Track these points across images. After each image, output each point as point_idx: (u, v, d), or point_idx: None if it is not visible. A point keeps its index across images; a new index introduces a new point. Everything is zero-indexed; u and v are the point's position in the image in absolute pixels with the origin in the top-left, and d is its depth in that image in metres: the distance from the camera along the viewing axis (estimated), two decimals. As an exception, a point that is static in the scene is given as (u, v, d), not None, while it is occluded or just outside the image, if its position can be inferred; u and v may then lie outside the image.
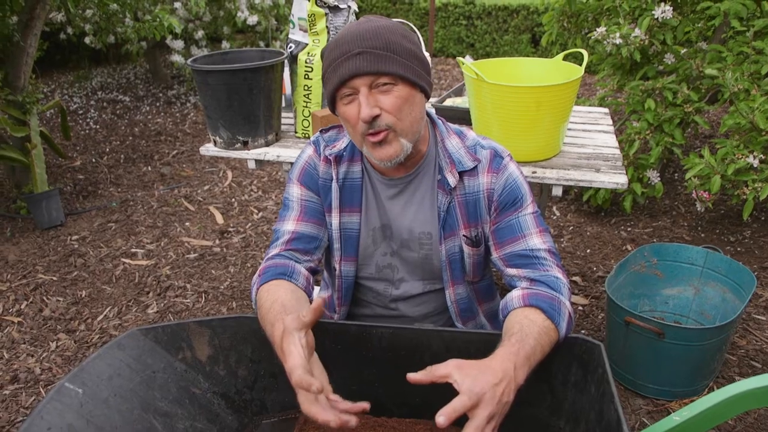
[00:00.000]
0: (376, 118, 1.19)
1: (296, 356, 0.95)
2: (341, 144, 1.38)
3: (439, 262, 1.40)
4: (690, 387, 2.17)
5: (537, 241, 1.29)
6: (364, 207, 1.39)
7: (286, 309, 1.13)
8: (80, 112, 5.97)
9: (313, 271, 1.38)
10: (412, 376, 0.94)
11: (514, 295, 1.21)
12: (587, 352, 1.14)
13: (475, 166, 1.32)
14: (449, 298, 1.44)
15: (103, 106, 6.14)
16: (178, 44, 5.69)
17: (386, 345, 1.18)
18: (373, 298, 1.50)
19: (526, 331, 1.09)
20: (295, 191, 1.40)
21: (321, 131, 1.43)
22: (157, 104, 6.19)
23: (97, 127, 5.55)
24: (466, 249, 1.37)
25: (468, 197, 1.34)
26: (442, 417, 0.89)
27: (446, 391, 1.07)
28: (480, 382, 0.94)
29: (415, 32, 1.98)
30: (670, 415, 1.18)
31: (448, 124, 1.40)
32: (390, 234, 1.40)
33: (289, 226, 1.38)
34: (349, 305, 1.51)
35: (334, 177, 1.37)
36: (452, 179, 1.32)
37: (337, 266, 1.44)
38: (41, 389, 2.37)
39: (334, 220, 1.38)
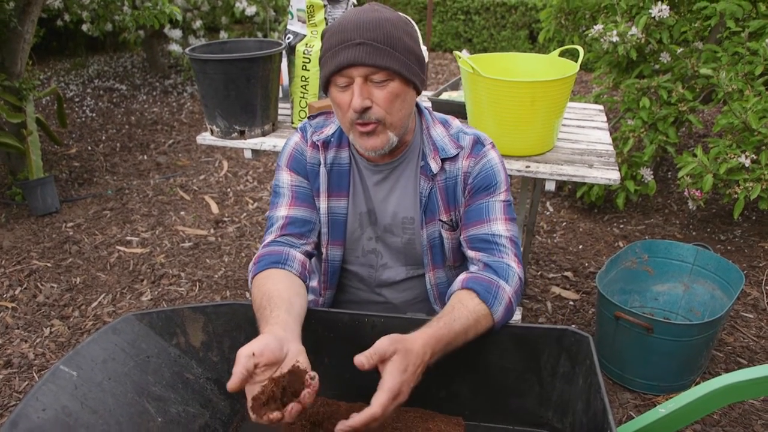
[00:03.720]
0: (367, 109, 1.22)
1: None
2: (329, 130, 1.40)
3: (421, 247, 1.43)
4: (677, 382, 2.20)
5: (501, 228, 1.32)
6: (351, 192, 1.41)
7: (272, 303, 1.15)
8: (76, 99, 5.96)
9: (309, 255, 1.40)
10: (363, 363, 0.97)
11: (458, 279, 1.26)
12: (576, 344, 1.16)
13: (458, 153, 1.35)
14: (429, 281, 1.48)
15: (99, 95, 6.12)
16: (176, 34, 5.67)
17: (378, 334, 1.20)
18: (357, 282, 1.52)
19: (455, 314, 1.13)
20: (285, 177, 1.42)
21: (309, 117, 1.45)
22: (154, 93, 6.18)
23: (93, 115, 5.53)
24: (444, 234, 1.40)
25: (448, 182, 1.37)
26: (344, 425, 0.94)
27: (431, 378, 1.09)
28: (399, 377, 0.98)
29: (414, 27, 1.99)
30: (656, 407, 1.21)
31: (434, 113, 1.43)
32: (375, 219, 1.43)
33: (282, 211, 1.39)
34: (335, 290, 1.53)
35: (322, 162, 1.39)
36: (435, 165, 1.35)
37: (324, 250, 1.46)
38: (35, 374, 2.38)
39: (322, 204, 1.41)
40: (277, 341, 1.01)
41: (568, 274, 3.01)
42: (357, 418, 0.93)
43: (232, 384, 0.94)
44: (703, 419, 2.13)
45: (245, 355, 0.96)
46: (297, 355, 1.02)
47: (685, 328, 2.08)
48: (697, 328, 2.07)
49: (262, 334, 1.04)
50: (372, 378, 1.01)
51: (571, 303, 2.78)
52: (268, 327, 1.07)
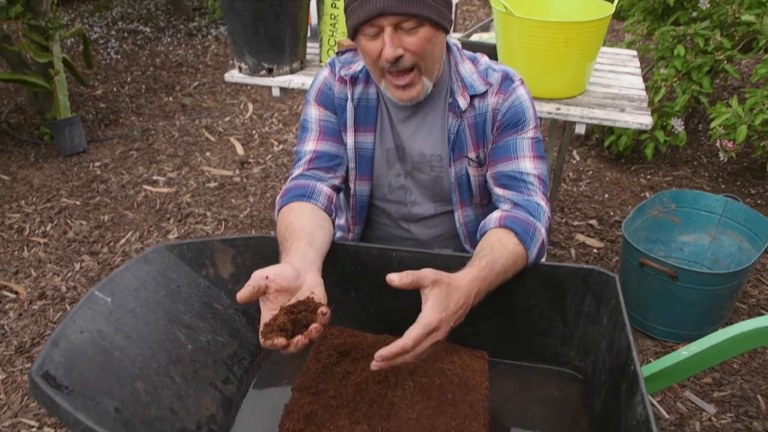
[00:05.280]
0: (399, 58, 1.20)
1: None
2: (357, 66, 1.38)
3: (449, 185, 1.43)
4: (698, 331, 2.20)
5: (528, 165, 1.30)
6: (378, 127, 1.40)
7: (293, 235, 1.16)
8: (101, 41, 5.94)
9: (337, 189, 1.40)
10: (393, 278, 0.95)
11: (493, 216, 1.25)
12: (602, 284, 1.16)
13: (486, 90, 1.33)
14: (458, 220, 1.47)
15: (123, 37, 6.10)
16: (200, -27, 5.59)
17: (405, 268, 1.21)
18: (386, 219, 1.53)
19: (496, 254, 1.11)
20: (313, 112, 1.41)
21: (337, 53, 1.43)
22: (178, 36, 6.14)
23: (118, 57, 5.53)
24: (471, 170, 1.40)
25: (477, 119, 1.35)
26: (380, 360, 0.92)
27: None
28: (437, 313, 0.95)
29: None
30: (679, 349, 1.21)
31: (463, 50, 1.40)
32: (403, 155, 1.43)
33: (310, 146, 1.40)
34: (363, 226, 1.54)
35: (349, 97, 1.38)
36: (463, 102, 1.33)
37: (352, 185, 1.46)
38: (67, 306, 2.46)
39: (349, 139, 1.40)
40: (294, 270, 1.01)
41: (593, 222, 3.00)
42: (387, 348, 0.90)
43: (241, 294, 0.96)
44: (723, 368, 2.14)
45: (258, 276, 0.97)
46: (313, 287, 1.01)
47: (710, 277, 2.06)
48: (722, 277, 2.06)
49: (280, 263, 1.06)
50: (397, 313, 1.02)
51: (595, 251, 2.77)
52: (288, 257, 1.08)
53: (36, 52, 3.55)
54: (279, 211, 1.30)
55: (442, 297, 0.96)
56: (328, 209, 1.31)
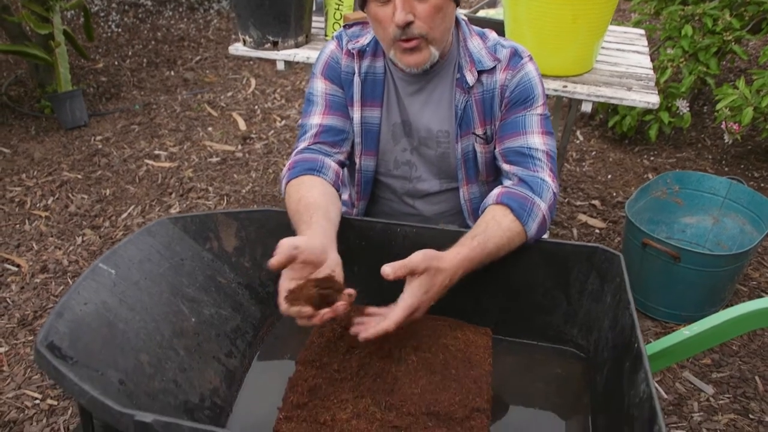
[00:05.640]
0: (409, 24, 1.19)
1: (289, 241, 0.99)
2: (364, 40, 1.37)
3: (455, 161, 1.42)
4: (699, 312, 2.20)
5: (537, 141, 1.30)
6: (385, 102, 1.39)
7: (310, 209, 1.16)
8: (101, 14, 5.88)
9: (342, 165, 1.40)
10: (388, 273, 0.97)
11: (493, 193, 1.25)
12: (606, 262, 1.16)
13: (495, 66, 1.32)
14: (463, 196, 1.47)
15: (124, 10, 6.03)
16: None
17: (410, 244, 1.21)
18: (390, 194, 1.53)
19: (489, 233, 1.13)
20: (319, 86, 1.40)
21: (344, 26, 1.42)
22: (180, 10, 6.07)
23: (119, 30, 5.47)
24: (478, 147, 1.39)
25: (485, 95, 1.34)
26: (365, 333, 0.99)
27: (460, 291, 1.11)
28: (419, 296, 1.01)
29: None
30: (681, 329, 1.21)
31: (471, 25, 1.39)
32: (409, 130, 1.42)
33: (316, 119, 1.38)
34: (367, 201, 1.53)
35: (356, 71, 1.37)
36: (471, 78, 1.32)
37: (357, 160, 1.46)
38: (69, 280, 2.47)
39: (356, 113, 1.39)
40: (320, 245, 1.03)
41: (596, 202, 2.99)
42: (372, 331, 0.97)
43: (274, 261, 0.96)
44: (722, 349, 2.15)
45: (288, 245, 0.97)
46: (334, 266, 1.04)
47: (712, 259, 2.06)
48: (724, 259, 2.06)
49: (305, 235, 1.06)
50: (400, 288, 1.03)
51: (597, 231, 2.77)
52: (310, 230, 1.08)
53: (36, 23, 3.51)
54: (288, 183, 1.29)
55: (426, 281, 1.01)
56: (336, 185, 1.31)
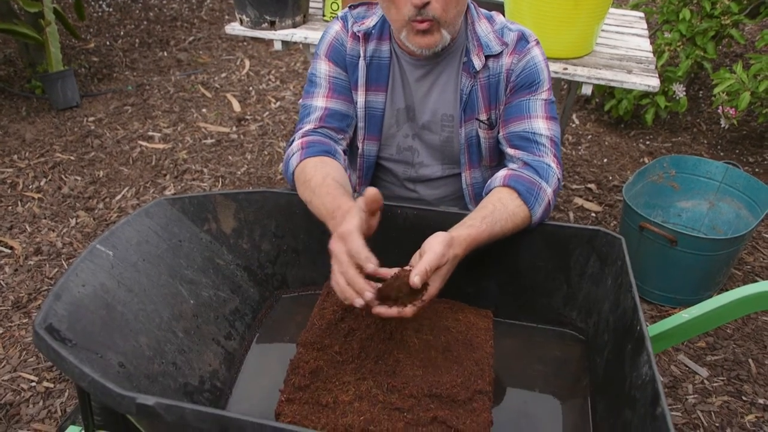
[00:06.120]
0: (426, 5, 1.18)
1: (354, 221, 0.98)
2: (370, 21, 1.35)
3: (459, 146, 1.41)
4: (695, 296, 2.22)
5: (541, 126, 1.29)
6: (390, 87, 1.38)
7: (340, 184, 1.15)
8: (92, -8, 5.80)
9: (345, 152, 1.38)
10: (416, 283, 0.94)
11: (499, 174, 1.25)
12: (607, 245, 1.16)
13: (502, 50, 1.31)
14: (465, 181, 1.46)
15: (116, -12, 5.94)
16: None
17: (410, 226, 1.20)
18: (392, 178, 1.52)
19: (496, 216, 1.13)
20: (323, 67, 1.38)
21: (350, 7, 1.40)
22: (172, -12, 5.99)
23: (110, 10, 5.39)
24: (482, 132, 1.38)
25: (491, 79, 1.33)
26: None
27: (462, 274, 1.10)
28: (438, 285, 1.00)
29: None
30: (680, 312, 1.22)
31: (479, 8, 1.37)
32: (413, 115, 1.40)
33: (320, 102, 1.36)
34: (369, 185, 1.52)
35: (362, 54, 1.35)
36: (478, 62, 1.31)
37: (360, 145, 1.44)
38: (63, 262, 2.45)
39: (360, 98, 1.38)
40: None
41: (592, 186, 2.99)
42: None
43: (372, 194, 0.97)
44: (716, 333, 2.17)
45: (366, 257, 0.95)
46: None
47: (709, 242, 2.07)
48: (721, 243, 2.06)
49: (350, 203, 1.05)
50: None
51: (593, 215, 2.77)
52: (351, 203, 1.06)
53: (25, 1, 3.45)
54: (304, 160, 1.26)
55: (445, 269, 1.01)
56: (346, 171, 1.31)
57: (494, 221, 1.12)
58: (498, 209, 1.14)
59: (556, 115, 1.33)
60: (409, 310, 0.95)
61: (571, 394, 1.13)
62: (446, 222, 1.15)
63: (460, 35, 1.33)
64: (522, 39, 1.32)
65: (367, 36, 1.34)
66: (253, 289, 1.30)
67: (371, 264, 0.94)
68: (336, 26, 1.38)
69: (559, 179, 1.26)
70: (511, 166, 1.28)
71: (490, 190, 1.23)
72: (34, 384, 1.94)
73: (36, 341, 0.87)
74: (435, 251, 0.97)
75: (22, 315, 2.19)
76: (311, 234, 1.28)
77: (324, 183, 1.15)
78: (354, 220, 0.97)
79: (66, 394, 1.91)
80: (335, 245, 0.98)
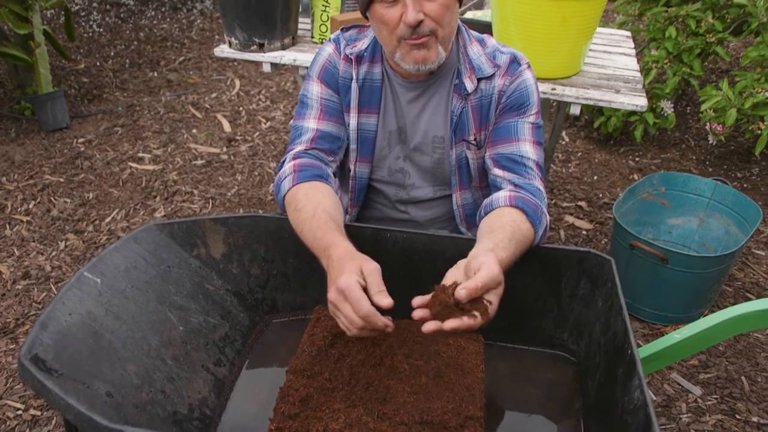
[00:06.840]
0: (420, 23, 1.19)
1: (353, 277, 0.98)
2: (362, 44, 1.36)
3: (449, 167, 1.41)
4: (686, 314, 2.22)
5: (528, 150, 1.30)
6: (382, 109, 1.38)
7: (331, 217, 1.14)
8: (82, 14, 5.80)
9: (335, 175, 1.38)
10: (462, 295, 0.94)
11: (501, 195, 1.24)
12: (597, 266, 1.16)
13: (494, 73, 1.32)
14: (456, 202, 1.46)
15: (106, 9, 5.96)
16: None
17: (400, 250, 1.20)
18: (383, 199, 1.52)
19: (517, 237, 1.12)
20: (315, 89, 1.38)
21: (342, 29, 1.40)
22: (163, 9, 6.01)
23: (101, 30, 5.41)
24: (470, 153, 1.38)
25: (483, 100, 1.34)
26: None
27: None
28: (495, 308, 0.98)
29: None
30: (671, 333, 1.22)
31: (470, 31, 1.39)
32: (405, 137, 1.41)
33: (311, 123, 1.36)
34: (360, 207, 1.52)
35: (354, 77, 1.35)
36: (470, 85, 1.32)
37: (352, 167, 1.44)
38: (52, 286, 2.42)
39: (352, 120, 1.38)
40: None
41: (582, 203, 3.00)
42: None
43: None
44: (709, 350, 2.17)
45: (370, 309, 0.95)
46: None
47: (699, 260, 2.08)
48: (711, 260, 2.07)
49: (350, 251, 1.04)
50: (392, 296, 1.00)
51: (584, 232, 2.78)
52: (347, 243, 1.07)
53: (15, 22, 3.45)
54: (296, 185, 1.25)
55: (496, 293, 0.99)
56: (338, 195, 1.30)
57: (517, 243, 1.11)
58: (516, 231, 1.13)
59: (542, 140, 1.34)
60: (450, 324, 0.92)
61: (564, 417, 1.12)
62: (437, 245, 1.15)
63: (452, 57, 1.34)
64: (514, 61, 1.33)
65: (359, 58, 1.35)
66: (243, 315, 1.29)
67: (389, 328, 0.96)
68: (329, 48, 1.39)
69: (546, 204, 1.27)
70: (507, 187, 1.28)
71: (493, 210, 1.22)
72: (20, 412, 1.91)
73: (21, 373, 0.85)
74: (493, 270, 0.95)
75: (9, 341, 2.16)
76: (301, 258, 1.27)
77: (315, 215, 1.14)
78: (353, 276, 0.97)
79: (53, 422, 1.88)
80: (335, 297, 0.98)
